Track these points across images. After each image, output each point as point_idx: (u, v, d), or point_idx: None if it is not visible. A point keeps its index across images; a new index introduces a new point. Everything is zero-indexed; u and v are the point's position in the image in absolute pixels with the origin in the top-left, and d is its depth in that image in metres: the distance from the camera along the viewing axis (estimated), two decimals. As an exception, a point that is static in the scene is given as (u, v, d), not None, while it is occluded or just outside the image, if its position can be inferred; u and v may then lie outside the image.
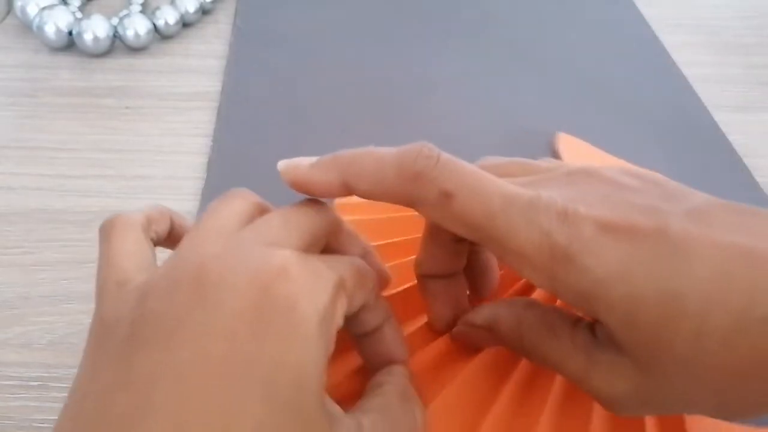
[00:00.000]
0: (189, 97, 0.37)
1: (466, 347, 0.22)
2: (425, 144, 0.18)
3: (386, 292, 0.22)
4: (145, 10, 0.42)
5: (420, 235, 0.22)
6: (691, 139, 0.35)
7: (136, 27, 0.39)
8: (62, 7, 0.39)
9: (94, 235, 0.28)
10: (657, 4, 0.48)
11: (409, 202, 0.18)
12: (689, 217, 0.17)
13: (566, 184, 0.19)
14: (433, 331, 0.22)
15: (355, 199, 0.20)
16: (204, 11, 0.43)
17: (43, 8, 0.38)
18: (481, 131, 0.34)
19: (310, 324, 0.16)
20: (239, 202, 0.20)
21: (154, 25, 0.40)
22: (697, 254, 0.16)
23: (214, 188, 0.30)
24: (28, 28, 0.40)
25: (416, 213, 0.20)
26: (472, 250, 0.22)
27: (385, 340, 0.20)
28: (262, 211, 0.20)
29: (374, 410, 0.18)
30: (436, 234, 0.21)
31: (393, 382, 0.19)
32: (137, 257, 0.19)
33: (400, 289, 0.23)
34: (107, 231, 0.20)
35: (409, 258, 0.23)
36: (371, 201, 0.20)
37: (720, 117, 0.37)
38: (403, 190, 0.18)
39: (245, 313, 0.16)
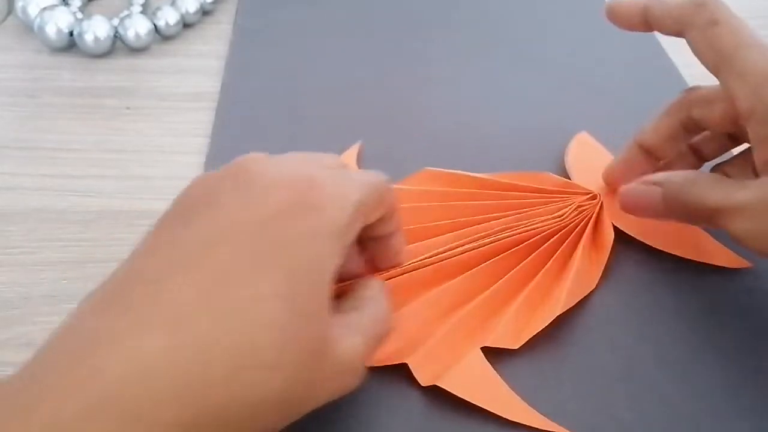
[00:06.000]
0: (190, 97, 0.37)
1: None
2: None
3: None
4: (146, 10, 0.42)
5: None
6: (690, 140, 0.35)
7: (137, 27, 0.39)
8: (63, 8, 0.39)
9: (95, 234, 0.28)
10: (657, 4, 0.48)
11: (683, 24, 0.24)
12: None
13: None
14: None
15: None
16: (205, 12, 0.43)
17: (44, 9, 0.38)
18: (480, 130, 0.34)
19: (333, 228, 0.19)
20: None
21: (155, 25, 0.40)
22: None
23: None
24: (29, 29, 0.40)
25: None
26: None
27: (392, 246, 0.23)
28: None
29: (362, 299, 0.21)
30: (671, 113, 0.27)
31: (375, 283, 0.22)
32: None
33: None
34: None
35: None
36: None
37: (720, 117, 0.37)
38: (684, 12, 0.24)
39: (279, 208, 0.18)
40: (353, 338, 0.19)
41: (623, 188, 0.27)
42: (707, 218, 0.23)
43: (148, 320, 0.16)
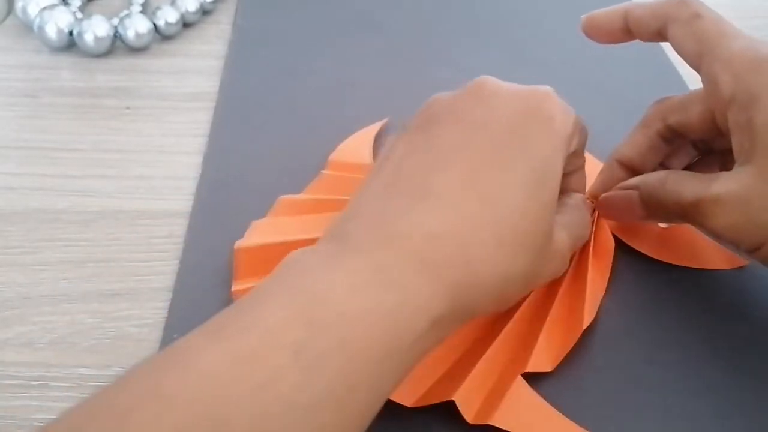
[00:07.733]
0: (190, 97, 0.37)
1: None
2: None
3: None
4: (146, 10, 0.42)
5: None
6: (690, 140, 0.35)
7: (137, 27, 0.39)
8: (63, 8, 0.39)
9: (95, 234, 0.28)
10: (657, 4, 0.48)
11: (665, 19, 0.24)
12: None
13: None
14: None
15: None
16: (204, 11, 0.43)
17: (44, 8, 0.38)
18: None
19: (562, 135, 0.21)
20: None
21: (155, 25, 0.40)
22: None
23: (208, 186, 0.30)
24: (29, 29, 0.40)
25: None
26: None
27: (572, 184, 0.25)
28: None
29: (566, 205, 0.24)
30: (647, 124, 0.27)
31: (578, 196, 0.26)
32: None
33: None
34: None
35: None
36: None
37: (719, 117, 0.36)
38: (666, 9, 0.24)
39: (517, 115, 0.21)
40: (562, 232, 0.22)
41: (602, 196, 0.27)
42: (685, 214, 0.23)
43: (422, 204, 0.19)
